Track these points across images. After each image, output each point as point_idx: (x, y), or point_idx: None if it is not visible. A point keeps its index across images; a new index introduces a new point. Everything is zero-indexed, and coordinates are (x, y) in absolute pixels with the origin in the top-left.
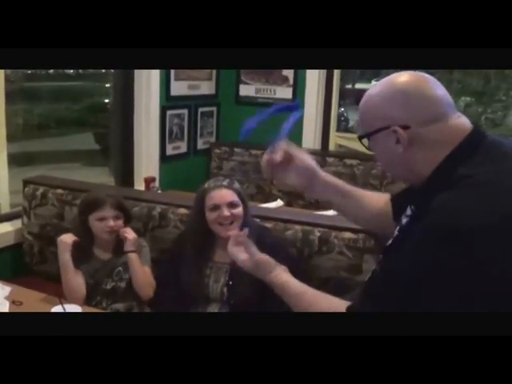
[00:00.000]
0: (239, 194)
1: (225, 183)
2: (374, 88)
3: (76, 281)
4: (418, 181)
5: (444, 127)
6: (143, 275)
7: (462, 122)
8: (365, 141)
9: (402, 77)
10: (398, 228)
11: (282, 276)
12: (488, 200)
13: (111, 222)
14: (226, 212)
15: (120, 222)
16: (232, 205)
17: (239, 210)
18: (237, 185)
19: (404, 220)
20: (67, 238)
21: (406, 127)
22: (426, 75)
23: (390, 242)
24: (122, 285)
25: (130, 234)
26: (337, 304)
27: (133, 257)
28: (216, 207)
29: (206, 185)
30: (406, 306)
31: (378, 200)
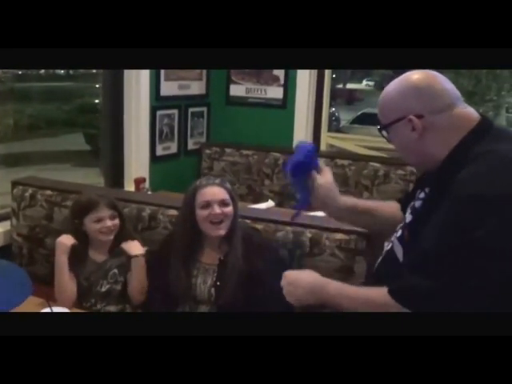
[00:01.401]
0: (230, 193)
1: (217, 181)
2: (390, 85)
3: (69, 283)
4: (433, 165)
5: (454, 115)
6: (143, 282)
7: (471, 111)
8: (385, 133)
9: (414, 74)
10: (409, 211)
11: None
12: (502, 170)
13: (108, 222)
14: (217, 210)
15: (116, 221)
16: (223, 203)
17: (230, 209)
18: (228, 184)
19: (418, 203)
20: (66, 240)
21: (419, 116)
22: (435, 72)
23: (407, 220)
24: (118, 287)
25: (134, 249)
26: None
27: (138, 262)
28: (207, 204)
29: (198, 182)
30: (451, 273)
31: (389, 207)
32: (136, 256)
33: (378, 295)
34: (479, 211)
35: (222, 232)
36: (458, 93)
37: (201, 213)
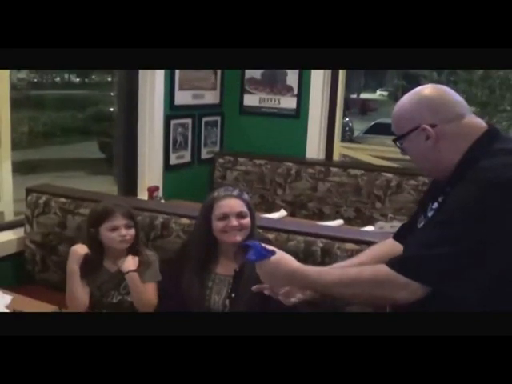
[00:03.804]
0: (248, 205)
1: (235, 193)
2: (404, 98)
3: (80, 291)
4: (446, 172)
5: (464, 124)
6: (142, 296)
7: (479, 120)
8: (400, 144)
9: (426, 87)
10: (422, 222)
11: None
12: None
13: (123, 231)
14: (235, 222)
15: (132, 231)
16: (240, 215)
17: (247, 221)
18: (246, 195)
19: (431, 212)
20: (80, 249)
21: (432, 125)
22: (445, 86)
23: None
24: (129, 299)
25: (126, 265)
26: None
27: (130, 277)
28: (224, 216)
29: (216, 193)
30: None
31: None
32: (127, 272)
33: (370, 272)
34: (495, 196)
35: (239, 238)
36: (466, 105)
37: (218, 224)
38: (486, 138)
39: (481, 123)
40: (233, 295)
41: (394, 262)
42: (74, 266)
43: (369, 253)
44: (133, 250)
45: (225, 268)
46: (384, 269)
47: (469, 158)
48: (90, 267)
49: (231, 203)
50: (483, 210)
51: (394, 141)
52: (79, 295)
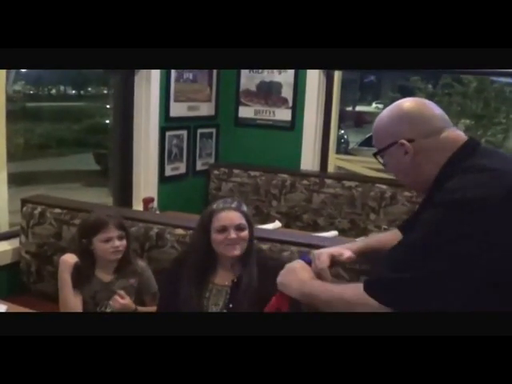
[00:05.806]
0: (246, 217)
1: (233, 205)
2: (383, 112)
3: (73, 301)
4: (426, 184)
5: (442, 138)
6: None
7: (458, 133)
8: (380, 158)
9: (405, 101)
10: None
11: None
12: (488, 180)
13: (116, 243)
14: (233, 234)
15: (124, 242)
16: (239, 228)
17: (246, 233)
18: (245, 207)
19: None
20: (69, 258)
21: (410, 140)
22: (425, 100)
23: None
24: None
25: (116, 303)
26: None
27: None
28: (223, 229)
29: (215, 205)
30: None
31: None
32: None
33: (350, 290)
34: (461, 216)
35: (237, 252)
36: (446, 117)
37: (217, 237)
38: (462, 153)
39: (459, 136)
40: (230, 305)
41: (366, 284)
42: (64, 276)
43: (378, 237)
44: (124, 260)
45: (222, 278)
46: (360, 290)
47: (441, 177)
48: (81, 277)
49: (230, 215)
50: (448, 232)
51: (375, 155)
52: (71, 304)
